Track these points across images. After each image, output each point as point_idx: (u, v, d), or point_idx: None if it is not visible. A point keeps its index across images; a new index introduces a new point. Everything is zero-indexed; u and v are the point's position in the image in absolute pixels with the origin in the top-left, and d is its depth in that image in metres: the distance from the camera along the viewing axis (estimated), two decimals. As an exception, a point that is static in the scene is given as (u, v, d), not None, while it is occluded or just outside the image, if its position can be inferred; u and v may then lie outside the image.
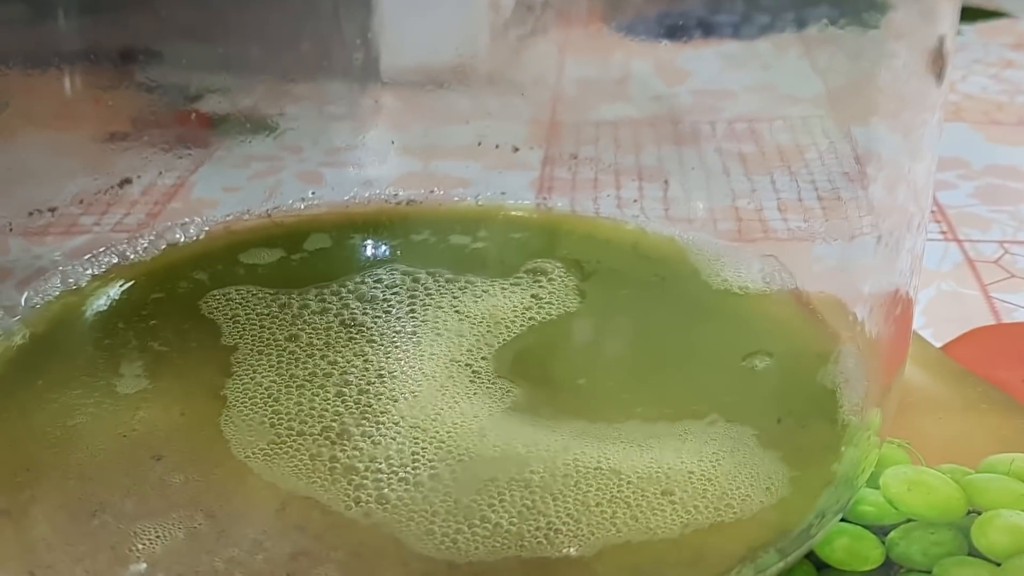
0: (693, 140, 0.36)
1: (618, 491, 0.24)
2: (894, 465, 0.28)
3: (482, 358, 0.28)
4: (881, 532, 0.27)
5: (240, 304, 0.30)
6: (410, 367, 0.28)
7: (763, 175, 0.35)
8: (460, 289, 0.31)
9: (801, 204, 0.33)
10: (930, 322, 0.34)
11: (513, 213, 0.36)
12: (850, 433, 0.26)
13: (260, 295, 0.31)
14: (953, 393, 0.31)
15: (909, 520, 0.27)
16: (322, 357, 0.28)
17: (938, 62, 0.26)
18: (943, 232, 0.40)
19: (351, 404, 0.27)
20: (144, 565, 0.23)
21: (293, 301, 0.30)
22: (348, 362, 0.28)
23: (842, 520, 0.27)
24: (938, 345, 0.34)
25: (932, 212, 0.37)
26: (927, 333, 0.34)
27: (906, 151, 0.27)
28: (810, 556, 0.26)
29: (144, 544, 0.23)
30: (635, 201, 0.35)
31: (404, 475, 0.25)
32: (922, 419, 0.30)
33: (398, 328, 0.29)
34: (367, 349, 0.28)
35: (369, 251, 0.34)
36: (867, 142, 0.29)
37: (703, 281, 0.32)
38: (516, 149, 0.36)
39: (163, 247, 0.33)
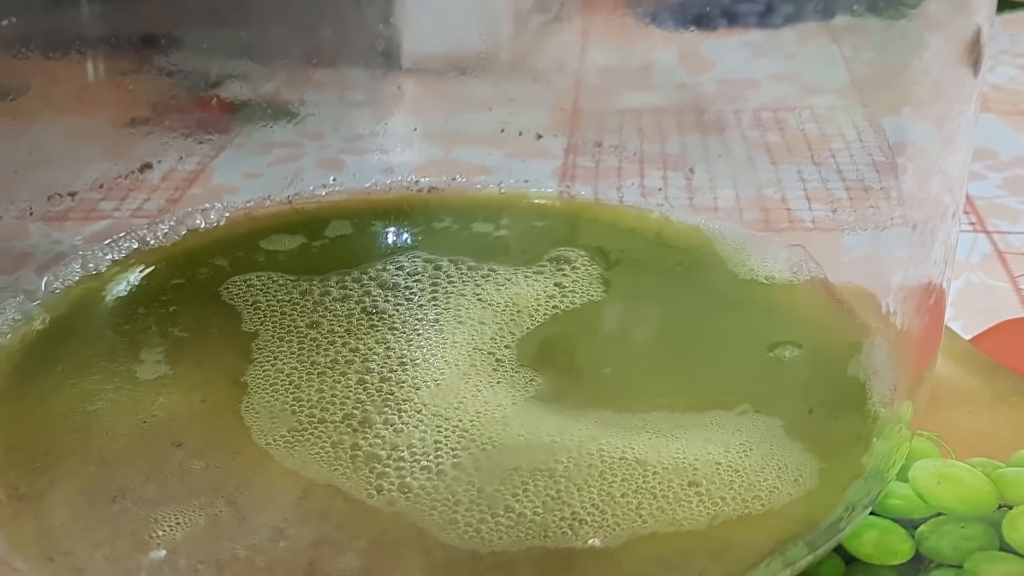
0: (718, 129, 0.36)
1: (644, 482, 0.24)
2: (923, 458, 0.28)
3: (505, 346, 0.28)
4: (911, 526, 0.26)
5: (261, 290, 0.30)
6: (432, 355, 0.28)
7: (789, 164, 0.34)
8: (483, 277, 0.31)
9: (829, 194, 0.33)
10: (959, 314, 0.34)
11: (536, 201, 0.35)
12: (880, 425, 0.26)
13: (281, 281, 0.30)
14: (983, 386, 0.31)
15: (939, 514, 0.26)
16: (343, 344, 0.28)
17: (974, 53, 0.25)
18: (972, 223, 0.39)
19: (373, 392, 0.26)
20: (164, 552, 0.22)
21: (314, 288, 0.30)
22: (370, 349, 0.28)
23: (871, 514, 0.26)
24: (967, 337, 0.33)
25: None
26: (956, 325, 0.34)
27: (940, 142, 0.26)
28: (838, 550, 0.25)
29: (164, 531, 0.23)
30: (659, 190, 0.35)
31: (427, 464, 0.24)
32: (951, 412, 0.30)
33: (420, 316, 0.29)
34: (389, 336, 0.28)
35: (391, 238, 0.34)
36: (898, 132, 0.28)
37: (729, 271, 0.31)
38: (539, 136, 0.36)
39: (183, 233, 0.33)
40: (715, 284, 0.32)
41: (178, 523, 0.23)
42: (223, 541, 0.22)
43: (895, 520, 0.26)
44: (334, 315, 0.29)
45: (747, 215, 0.34)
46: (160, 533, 0.23)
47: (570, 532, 0.23)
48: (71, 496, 0.24)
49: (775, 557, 0.23)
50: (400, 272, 0.31)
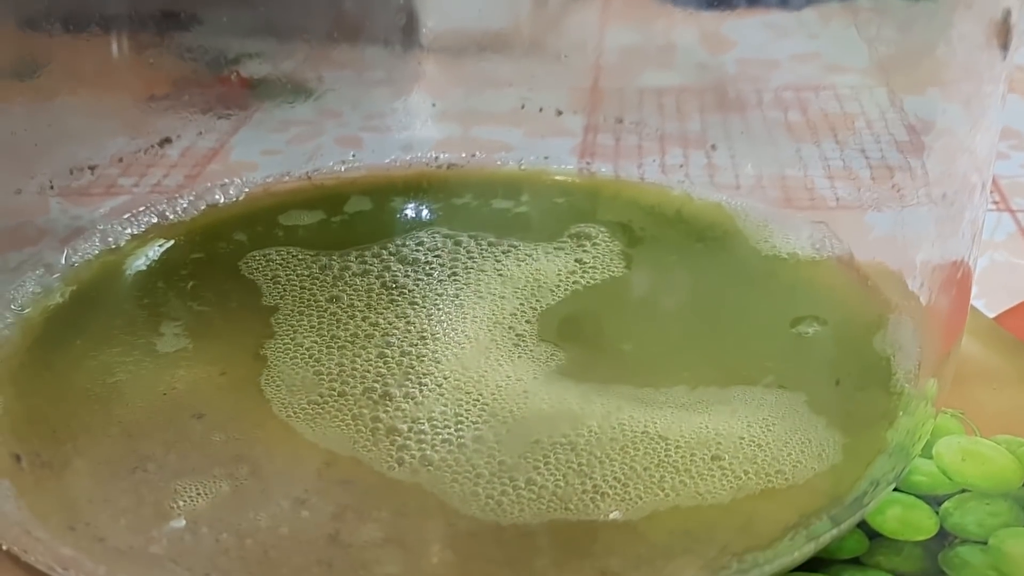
0: (739, 109, 0.35)
1: (666, 455, 0.24)
2: (948, 436, 0.28)
3: (526, 321, 0.28)
4: (935, 502, 0.26)
5: (280, 265, 0.30)
6: (453, 329, 0.27)
7: (811, 144, 0.34)
8: (503, 253, 0.30)
9: (852, 173, 0.32)
10: (983, 292, 0.34)
11: (557, 178, 0.35)
12: (905, 401, 0.26)
13: (300, 256, 0.30)
14: (1007, 364, 0.31)
15: (964, 491, 0.26)
16: (364, 318, 0.28)
17: (1003, 34, 0.25)
18: (996, 202, 0.39)
19: (393, 365, 0.26)
20: (184, 521, 0.22)
21: (334, 263, 0.30)
22: (390, 324, 0.27)
23: (895, 490, 0.26)
24: (991, 316, 0.33)
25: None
26: (980, 304, 0.33)
27: (967, 121, 0.26)
28: (862, 526, 0.25)
29: (185, 501, 0.23)
30: (680, 167, 0.35)
31: (447, 436, 0.24)
32: (976, 390, 0.29)
33: (440, 291, 0.29)
34: (409, 311, 0.28)
35: (410, 214, 0.34)
36: (924, 112, 0.28)
37: (751, 247, 0.31)
38: (559, 113, 0.35)
39: (203, 208, 0.33)
40: (737, 260, 0.31)
41: (199, 493, 0.23)
42: (245, 511, 0.22)
43: (919, 496, 0.26)
44: (354, 289, 0.29)
45: (769, 193, 0.33)
46: (181, 503, 0.23)
47: (592, 505, 0.23)
48: (93, 466, 0.24)
49: (799, 531, 0.23)
50: (420, 247, 0.30)
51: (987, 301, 0.33)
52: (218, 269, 0.30)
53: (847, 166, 0.33)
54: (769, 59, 0.35)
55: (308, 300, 0.28)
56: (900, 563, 0.24)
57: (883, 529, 0.25)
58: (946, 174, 0.27)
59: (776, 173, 0.34)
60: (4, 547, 0.23)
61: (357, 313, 0.28)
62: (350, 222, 0.33)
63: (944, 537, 0.25)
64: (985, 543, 0.25)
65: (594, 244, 0.31)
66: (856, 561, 0.24)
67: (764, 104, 0.35)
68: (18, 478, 0.23)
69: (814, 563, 0.24)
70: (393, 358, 0.26)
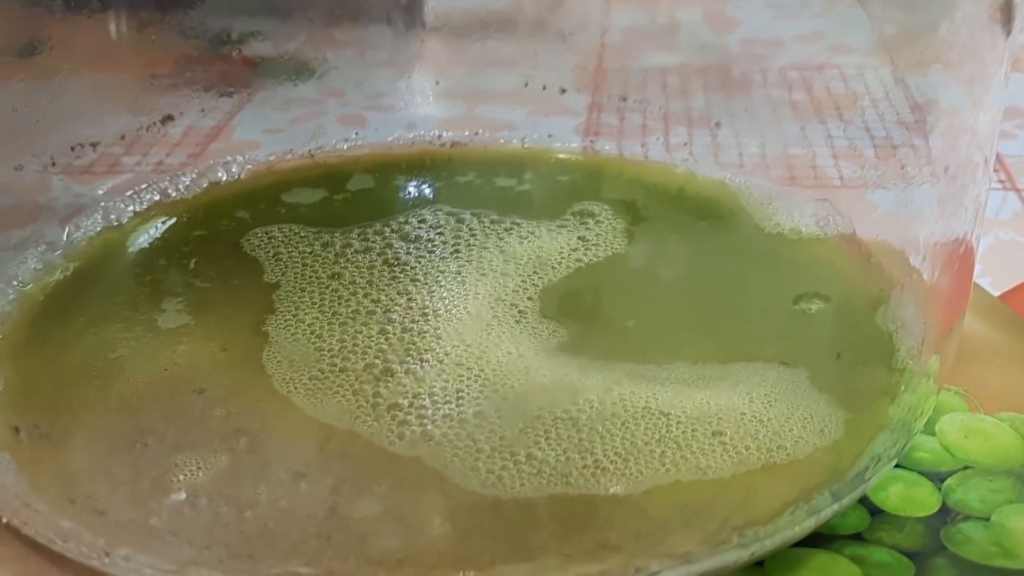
0: (744, 88, 0.35)
1: (667, 431, 0.24)
2: (951, 413, 0.28)
3: (528, 298, 0.28)
4: (937, 479, 0.26)
5: (282, 242, 0.30)
6: (454, 306, 0.27)
7: (816, 123, 0.34)
8: (505, 230, 0.30)
9: (856, 152, 0.32)
10: (987, 270, 0.34)
11: (560, 156, 0.35)
12: (907, 377, 0.26)
13: (302, 234, 0.30)
14: (1011, 342, 0.30)
15: (966, 467, 0.26)
16: (365, 295, 0.28)
17: (1006, 14, 0.25)
18: (1002, 181, 0.39)
19: (395, 341, 0.26)
20: (184, 494, 0.22)
21: (336, 240, 0.30)
22: (392, 300, 0.27)
23: (897, 466, 0.26)
24: (996, 294, 0.33)
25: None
26: (985, 282, 0.33)
27: (970, 101, 0.26)
28: (864, 501, 0.25)
29: (185, 474, 0.23)
30: (684, 145, 0.34)
31: (448, 412, 0.24)
32: (980, 367, 0.29)
33: (442, 268, 0.29)
34: (411, 288, 0.28)
35: (413, 192, 0.33)
36: (928, 91, 0.28)
37: (755, 224, 0.31)
38: (563, 91, 0.35)
39: (205, 185, 0.33)
40: (740, 238, 0.31)
41: (199, 467, 0.23)
42: (244, 484, 0.22)
43: (922, 473, 0.26)
44: (356, 267, 0.29)
45: (773, 172, 0.33)
46: (181, 477, 0.23)
47: (592, 479, 0.23)
48: (93, 440, 0.24)
49: (800, 505, 0.23)
50: (422, 225, 0.30)
51: (992, 279, 0.33)
52: (220, 246, 0.30)
53: (852, 144, 0.33)
54: (774, 38, 0.35)
55: (310, 277, 0.28)
56: (902, 539, 0.24)
57: (885, 505, 0.25)
58: (949, 153, 0.27)
59: (780, 152, 0.34)
60: (4, 520, 0.23)
61: (359, 290, 0.28)
62: (352, 200, 0.33)
63: (946, 513, 0.25)
64: (987, 519, 0.25)
65: (597, 222, 0.31)
66: (858, 537, 0.24)
67: (768, 83, 0.35)
68: (18, 451, 0.23)
69: (816, 539, 0.24)
70: (394, 334, 0.26)
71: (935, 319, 0.27)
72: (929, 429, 0.27)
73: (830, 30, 0.32)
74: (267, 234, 0.30)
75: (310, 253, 0.29)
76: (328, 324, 0.27)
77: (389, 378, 0.25)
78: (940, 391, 0.27)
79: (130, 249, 0.30)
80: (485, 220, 0.31)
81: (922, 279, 0.27)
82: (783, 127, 0.34)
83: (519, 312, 0.27)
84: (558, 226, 0.31)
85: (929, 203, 0.28)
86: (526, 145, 0.35)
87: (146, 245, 0.30)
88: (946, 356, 0.26)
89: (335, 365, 0.25)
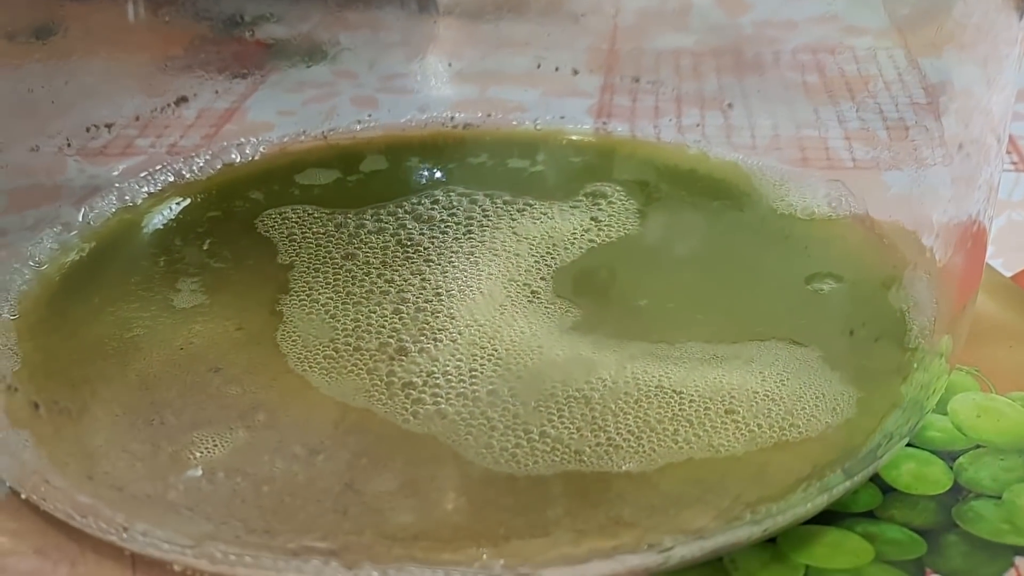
0: (756, 70, 0.35)
1: (680, 409, 0.24)
2: (963, 392, 0.28)
3: (541, 278, 0.28)
4: (949, 458, 0.26)
5: (296, 223, 0.30)
6: (468, 286, 0.27)
7: (828, 105, 0.34)
8: (518, 211, 0.30)
9: (869, 133, 0.32)
10: (1000, 251, 0.34)
11: (572, 137, 0.35)
12: (919, 356, 0.26)
13: (316, 214, 0.30)
14: (1023, 322, 0.31)
15: (978, 446, 0.26)
16: (379, 276, 0.28)
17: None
18: (1015, 163, 0.39)
19: (408, 321, 0.26)
20: (201, 470, 0.22)
21: (349, 221, 0.30)
22: (405, 281, 0.28)
23: (909, 445, 0.26)
24: (1008, 275, 0.33)
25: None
26: (997, 263, 0.33)
27: (983, 82, 0.26)
28: (876, 480, 0.25)
29: (202, 451, 0.23)
30: (697, 126, 0.34)
31: (462, 390, 0.24)
32: (992, 347, 0.29)
33: (455, 248, 0.29)
34: (424, 268, 0.28)
35: (426, 173, 0.34)
36: (941, 73, 0.28)
37: (767, 205, 0.31)
38: (576, 72, 0.35)
39: (219, 167, 0.33)
40: (753, 218, 0.31)
41: (215, 444, 0.23)
42: (261, 459, 0.23)
43: (934, 452, 0.26)
44: (369, 247, 0.29)
45: (786, 153, 0.33)
46: (198, 453, 0.23)
47: (606, 456, 0.23)
48: (111, 417, 0.24)
49: (812, 482, 0.23)
50: (435, 206, 0.30)
51: (1005, 260, 0.33)
52: (234, 227, 0.30)
53: (865, 126, 0.33)
54: (786, 20, 0.35)
55: (324, 257, 0.29)
56: (914, 517, 0.24)
57: (897, 484, 0.25)
58: (962, 133, 0.27)
59: (793, 133, 0.34)
60: (23, 495, 0.23)
61: (372, 270, 0.28)
62: (366, 181, 0.33)
63: (958, 492, 0.25)
64: (999, 497, 0.25)
65: (609, 202, 0.31)
66: (870, 514, 0.24)
67: (781, 65, 0.35)
68: (37, 427, 0.24)
69: (829, 516, 0.24)
70: (408, 314, 0.27)
71: (947, 299, 0.27)
72: (941, 408, 0.27)
73: (844, 11, 0.32)
74: (281, 215, 0.30)
75: (324, 234, 0.29)
76: (342, 304, 0.27)
77: (403, 357, 0.25)
78: (952, 371, 0.27)
79: (145, 230, 0.30)
80: (498, 201, 0.31)
81: (934, 259, 0.27)
82: (796, 108, 0.34)
83: (532, 292, 0.27)
84: (570, 207, 0.31)
85: (942, 184, 0.28)
86: (539, 127, 0.35)
87: (161, 226, 0.31)
88: (958, 336, 0.27)
89: (349, 344, 0.26)
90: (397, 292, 0.27)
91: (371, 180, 0.33)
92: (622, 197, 0.31)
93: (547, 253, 0.29)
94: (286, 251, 0.29)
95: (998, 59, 0.26)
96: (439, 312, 0.27)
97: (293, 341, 0.26)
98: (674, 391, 0.24)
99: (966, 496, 0.25)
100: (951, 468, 0.26)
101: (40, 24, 0.30)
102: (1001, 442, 0.26)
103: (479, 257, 0.29)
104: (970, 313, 0.27)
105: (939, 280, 0.27)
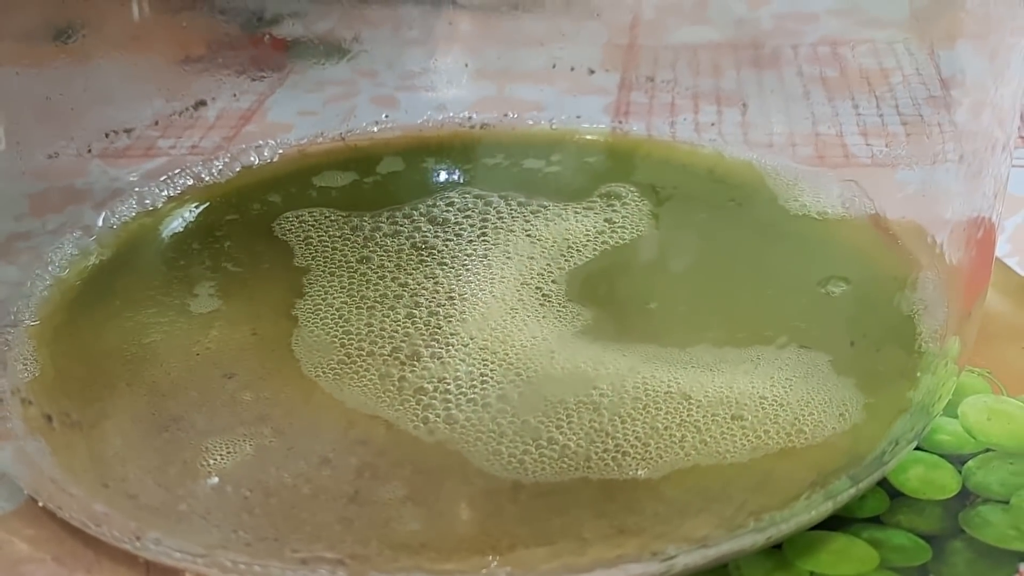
0: (774, 64, 0.35)
1: (687, 415, 0.24)
2: (974, 394, 0.28)
3: (552, 281, 0.28)
4: (958, 462, 0.26)
5: (313, 226, 0.30)
6: (480, 289, 0.28)
7: (845, 100, 0.34)
8: (532, 213, 0.31)
9: (884, 129, 0.32)
10: (1016, 250, 0.33)
11: (588, 137, 0.35)
12: (926, 360, 0.26)
13: (333, 217, 0.31)
14: (1038, 323, 0.30)
15: (988, 450, 0.26)
16: (393, 279, 0.28)
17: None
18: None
19: (421, 325, 0.27)
20: (216, 479, 0.23)
21: (365, 223, 0.30)
22: (419, 284, 0.28)
23: (918, 449, 0.26)
24: (1023, 274, 0.33)
25: (1022, 138, 0.35)
26: (1012, 261, 0.33)
27: (992, 74, 0.26)
28: (883, 484, 0.25)
29: (215, 459, 0.23)
30: (713, 125, 0.35)
31: (472, 396, 0.25)
32: (1005, 348, 0.29)
33: (469, 251, 0.29)
34: (438, 271, 0.28)
35: (441, 174, 0.34)
36: (952, 65, 0.28)
37: (781, 206, 0.31)
38: (592, 72, 0.35)
39: (237, 169, 0.33)
40: (766, 219, 0.31)
41: (228, 452, 0.23)
42: (271, 469, 0.23)
43: (943, 456, 0.26)
44: (384, 250, 0.29)
45: (802, 151, 0.33)
46: (211, 462, 0.23)
47: (612, 464, 0.23)
48: (125, 425, 0.24)
49: (817, 490, 0.23)
50: (450, 208, 0.31)
51: (1020, 259, 0.33)
52: (252, 230, 0.31)
53: (882, 122, 0.33)
54: (806, 12, 0.35)
55: (339, 261, 0.29)
56: (920, 522, 0.24)
57: (905, 488, 0.25)
58: (971, 128, 0.27)
59: (810, 130, 0.34)
60: (40, 503, 0.23)
61: (387, 274, 0.28)
62: (382, 183, 0.33)
63: (966, 496, 0.25)
64: (1007, 502, 0.25)
65: (623, 204, 0.31)
66: (876, 520, 0.24)
67: (800, 59, 0.35)
68: (52, 437, 0.24)
69: (835, 522, 0.24)
70: (421, 318, 0.27)
71: (956, 299, 0.27)
72: (951, 411, 0.27)
73: (863, 3, 0.32)
74: (298, 218, 0.31)
75: (340, 237, 0.30)
76: (356, 308, 0.27)
77: (415, 362, 0.26)
78: (963, 372, 0.27)
79: (164, 234, 0.31)
80: (512, 203, 0.31)
81: (944, 259, 0.27)
82: (813, 105, 0.34)
83: (544, 296, 0.28)
84: (585, 208, 0.31)
85: (954, 180, 0.28)
86: (554, 126, 0.35)
87: (180, 230, 0.31)
88: (966, 338, 0.27)
89: (362, 349, 0.26)
90: (410, 296, 0.28)
91: (388, 182, 0.33)
92: (636, 198, 0.31)
93: (560, 256, 0.29)
94: (302, 254, 0.29)
95: (1006, 49, 0.25)
96: (451, 316, 0.27)
97: (307, 346, 0.26)
98: (683, 396, 0.25)
99: (974, 501, 0.25)
100: (959, 472, 0.26)
101: (58, 28, 0.30)
102: (1011, 446, 0.26)
103: (492, 260, 0.29)
104: (978, 315, 0.27)
105: (949, 281, 0.27)
